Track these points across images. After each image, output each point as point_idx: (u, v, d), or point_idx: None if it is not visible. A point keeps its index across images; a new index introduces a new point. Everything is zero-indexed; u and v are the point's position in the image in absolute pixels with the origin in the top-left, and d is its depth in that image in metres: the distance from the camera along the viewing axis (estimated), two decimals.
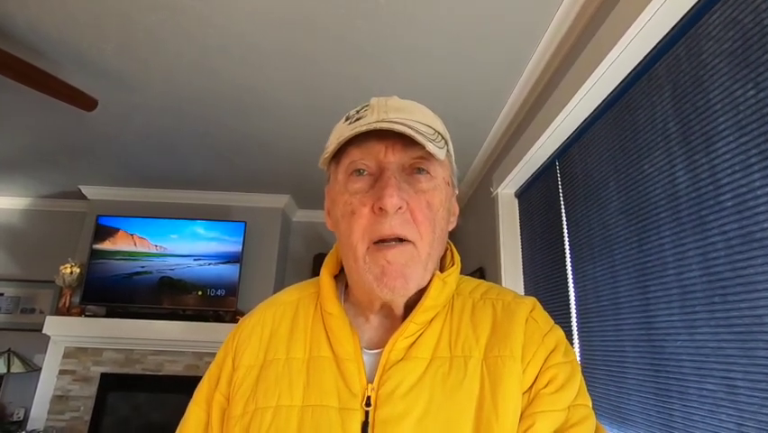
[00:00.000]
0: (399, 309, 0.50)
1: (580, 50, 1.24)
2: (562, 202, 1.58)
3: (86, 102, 1.71)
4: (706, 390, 0.86)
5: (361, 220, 0.47)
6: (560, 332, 0.50)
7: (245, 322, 0.56)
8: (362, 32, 1.44)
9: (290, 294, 0.57)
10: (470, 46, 1.48)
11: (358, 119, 0.48)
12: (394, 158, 0.48)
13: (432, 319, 0.49)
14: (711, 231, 0.86)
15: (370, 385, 0.45)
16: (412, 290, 0.47)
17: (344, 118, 0.51)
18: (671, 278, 0.97)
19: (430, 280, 0.49)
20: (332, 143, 0.50)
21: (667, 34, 0.99)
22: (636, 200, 1.11)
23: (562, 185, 1.59)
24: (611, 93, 1.22)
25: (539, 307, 0.52)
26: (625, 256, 1.16)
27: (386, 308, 0.51)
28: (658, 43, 1.02)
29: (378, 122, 0.46)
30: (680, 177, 0.95)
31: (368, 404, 0.44)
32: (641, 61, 1.08)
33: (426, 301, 0.48)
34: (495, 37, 1.44)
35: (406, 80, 1.69)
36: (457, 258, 0.54)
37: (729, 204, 0.81)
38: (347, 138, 0.47)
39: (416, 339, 0.48)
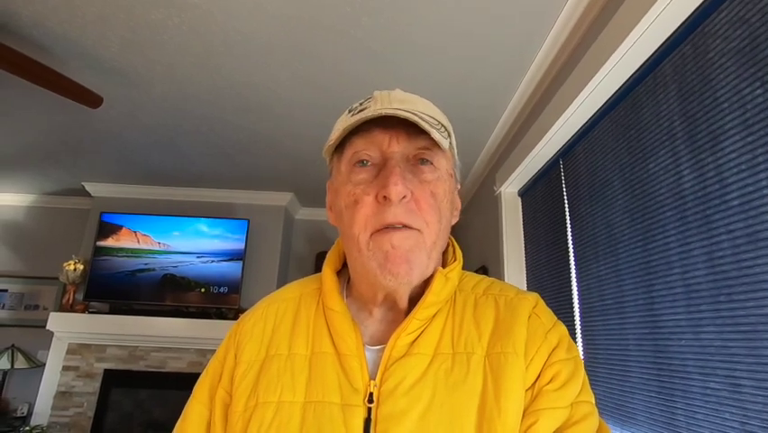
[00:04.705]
0: (403, 302, 0.50)
1: (586, 48, 1.23)
2: (565, 201, 1.58)
3: (91, 99, 1.72)
4: (710, 388, 0.86)
5: (364, 209, 0.46)
6: (563, 328, 0.50)
7: (247, 317, 0.55)
8: (367, 29, 1.43)
9: (292, 290, 0.57)
10: (475, 43, 1.48)
11: (361, 110, 0.47)
12: (398, 148, 0.47)
13: (434, 315, 0.49)
14: (717, 230, 0.85)
15: (372, 382, 0.45)
16: (416, 277, 0.46)
17: (347, 111, 0.50)
18: (676, 277, 0.97)
19: (432, 275, 0.48)
20: (335, 133, 0.49)
21: (674, 32, 0.98)
22: (641, 199, 1.11)
23: (565, 184, 1.59)
24: (617, 91, 1.22)
25: (542, 303, 0.51)
26: (629, 255, 1.16)
27: (389, 301, 0.51)
28: (665, 41, 1.01)
29: (381, 109, 0.45)
30: (685, 176, 0.95)
31: (370, 400, 0.44)
32: (647, 59, 1.08)
33: (429, 297, 0.47)
34: (500, 35, 1.43)
35: (411, 77, 1.68)
36: (459, 254, 0.54)
37: (736, 203, 0.81)
38: (352, 126, 0.47)
39: (419, 335, 0.47)
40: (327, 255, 0.56)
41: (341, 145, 0.50)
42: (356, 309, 0.53)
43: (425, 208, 0.46)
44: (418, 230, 0.46)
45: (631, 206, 1.16)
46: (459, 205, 0.56)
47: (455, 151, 0.55)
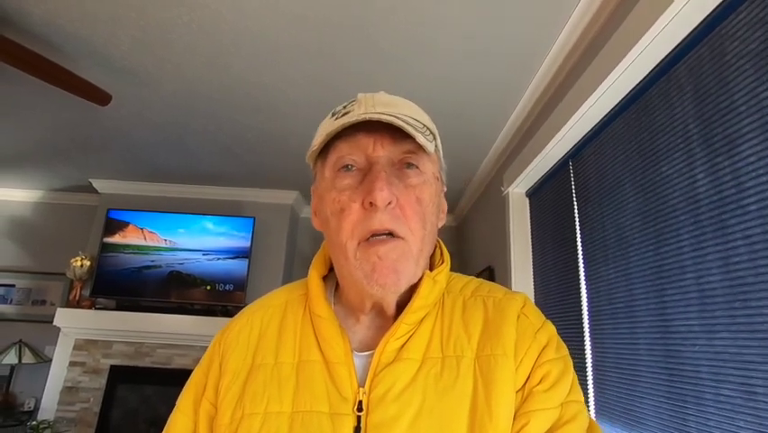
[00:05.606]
0: (391, 309, 0.49)
1: (599, 49, 1.22)
2: (575, 202, 1.57)
3: (100, 97, 1.72)
4: (723, 395, 0.85)
5: (350, 216, 0.45)
6: (551, 327, 0.49)
7: (231, 325, 0.55)
8: (377, 28, 1.43)
9: (278, 296, 0.56)
10: (485, 43, 1.47)
11: (345, 114, 0.46)
12: (383, 152, 0.47)
13: (422, 319, 0.48)
14: (734, 235, 0.84)
15: (361, 389, 0.44)
16: (403, 286, 0.46)
17: (330, 114, 0.49)
18: (689, 282, 0.96)
19: (420, 279, 0.48)
20: (318, 137, 0.48)
21: (690, 33, 0.97)
22: (654, 202, 1.10)
23: (575, 185, 1.58)
24: (629, 93, 1.20)
25: (530, 302, 0.51)
26: (641, 258, 1.14)
27: (377, 308, 0.50)
28: (680, 43, 1.00)
29: (365, 113, 0.45)
30: (700, 179, 0.94)
31: (359, 409, 0.43)
32: (662, 61, 1.07)
33: (416, 301, 0.47)
34: (510, 34, 1.42)
35: (420, 77, 1.68)
36: (446, 255, 0.53)
37: (753, 207, 0.80)
38: (335, 131, 0.46)
39: (407, 340, 0.47)
40: (313, 260, 0.55)
41: (324, 149, 0.49)
42: (344, 315, 0.52)
43: (409, 215, 0.46)
44: (403, 238, 0.45)
45: (643, 208, 1.15)
46: (445, 207, 0.55)
47: (441, 153, 0.54)
